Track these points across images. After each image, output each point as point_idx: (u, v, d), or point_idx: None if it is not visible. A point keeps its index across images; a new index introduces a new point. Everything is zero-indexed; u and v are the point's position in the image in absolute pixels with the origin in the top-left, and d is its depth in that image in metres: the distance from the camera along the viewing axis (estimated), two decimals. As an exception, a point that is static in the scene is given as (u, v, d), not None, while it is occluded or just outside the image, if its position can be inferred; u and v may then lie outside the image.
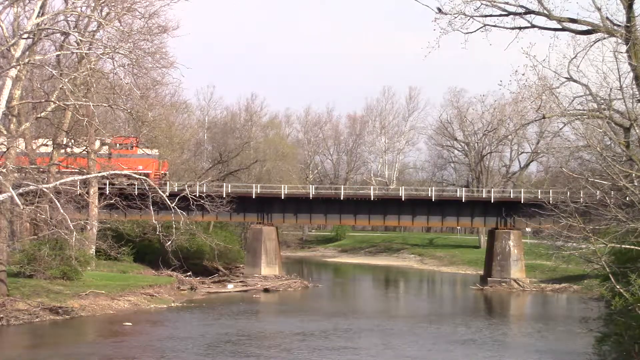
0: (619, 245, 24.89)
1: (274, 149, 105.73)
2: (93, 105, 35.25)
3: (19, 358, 32.02)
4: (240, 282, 65.35)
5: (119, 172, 40.68)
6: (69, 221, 30.81)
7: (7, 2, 35.88)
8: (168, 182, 65.56)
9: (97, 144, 58.36)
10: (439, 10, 27.77)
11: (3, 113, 34.51)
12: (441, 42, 28.14)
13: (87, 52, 36.69)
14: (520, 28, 28.95)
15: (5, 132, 38.60)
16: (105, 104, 39.74)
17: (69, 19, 47.39)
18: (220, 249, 67.66)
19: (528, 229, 70.44)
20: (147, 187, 32.67)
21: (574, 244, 26.34)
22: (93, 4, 40.01)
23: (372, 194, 71.38)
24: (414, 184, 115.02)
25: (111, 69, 42.97)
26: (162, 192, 31.32)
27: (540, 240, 51.23)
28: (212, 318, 44.83)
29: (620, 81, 26.46)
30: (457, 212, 70.95)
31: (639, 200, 24.22)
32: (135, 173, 34.28)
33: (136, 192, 56.29)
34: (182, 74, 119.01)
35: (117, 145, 65.65)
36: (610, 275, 24.66)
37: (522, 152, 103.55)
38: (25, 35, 34.08)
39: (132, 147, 65.77)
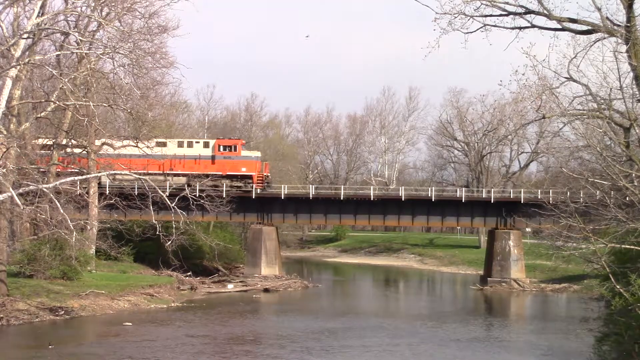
0: (619, 245, 24.88)
1: (274, 149, 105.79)
2: (93, 105, 35.26)
3: (19, 358, 32.01)
4: (240, 282, 65.34)
5: (119, 172, 40.67)
6: (69, 221, 30.79)
7: (7, 2, 35.90)
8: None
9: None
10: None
11: (3, 113, 34.48)
12: (441, 42, 28.16)
13: (87, 52, 36.69)
14: (520, 28, 28.94)
15: (5, 132, 38.60)
16: (105, 104, 39.76)
17: (69, 19, 47.40)
18: (220, 249, 67.69)
19: (528, 229, 70.44)
20: (146, 187, 32.60)
21: (574, 244, 26.34)
22: (93, 4, 39.96)
23: (372, 194, 71.38)
24: (414, 184, 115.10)
25: (111, 69, 42.97)
26: (163, 191, 31.28)
27: (540, 240, 51.25)
28: (213, 318, 44.82)
29: (620, 81, 26.48)
30: (457, 212, 70.93)
31: (639, 200, 24.22)
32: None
33: (136, 192, 56.34)
34: (182, 74, 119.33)
35: (220, 147, 66.73)
36: (610, 275, 24.65)
37: (522, 152, 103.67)
38: (25, 35, 34.06)
39: (235, 148, 66.94)
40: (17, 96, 39.06)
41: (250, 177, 67.72)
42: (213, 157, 67.48)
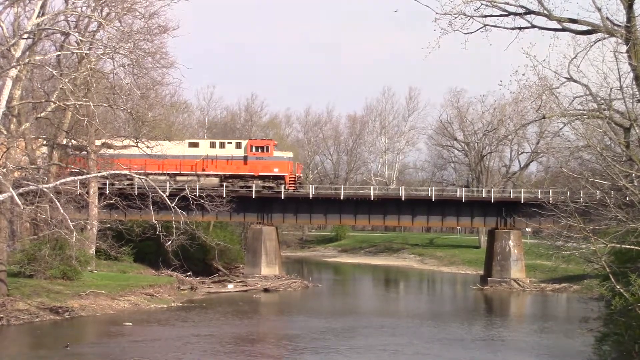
0: (619, 245, 24.89)
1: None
2: (93, 105, 35.27)
3: (19, 358, 32.02)
4: (240, 282, 65.36)
5: (119, 172, 40.63)
6: (69, 221, 30.80)
7: (7, 2, 35.88)
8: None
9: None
10: None
11: (3, 113, 34.51)
12: (441, 42, 28.12)
13: (87, 52, 36.71)
14: (520, 28, 28.93)
15: (5, 132, 38.62)
16: (105, 104, 39.75)
17: (69, 19, 47.37)
18: (220, 249, 67.69)
19: (528, 229, 70.39)
20: (147, 187, 32.61)
21: (574, 244, 26.35)
22: (93, 4, 39.94)
23: (372, 194, 71.34)
24: (414, 184, 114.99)
25: (111, 69, 42.95)
26: (163, 191, 31.29)
27: (540, 240, 51.15)
28: (213, 318, 44.85)
29: (620, 81, 26.47)
30: (457, 212, 70.91)
31: (638, 200, 24.23)
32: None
33: (136, 192, 56.39)
34: (182, 74, 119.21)
35: (252, 148, 67.00)
36: (610, 275, 24.66)
37: (522, 152, 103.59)
38: (26, 35, 34.07)
39: (267, 149, 67.23)
40: (17, 96, 39.04)
41: (282, 177, 67.93)
42: (245, 158, 67.80)
